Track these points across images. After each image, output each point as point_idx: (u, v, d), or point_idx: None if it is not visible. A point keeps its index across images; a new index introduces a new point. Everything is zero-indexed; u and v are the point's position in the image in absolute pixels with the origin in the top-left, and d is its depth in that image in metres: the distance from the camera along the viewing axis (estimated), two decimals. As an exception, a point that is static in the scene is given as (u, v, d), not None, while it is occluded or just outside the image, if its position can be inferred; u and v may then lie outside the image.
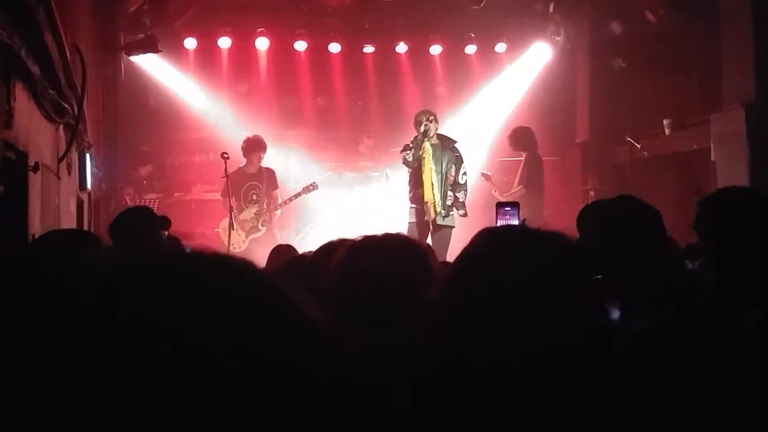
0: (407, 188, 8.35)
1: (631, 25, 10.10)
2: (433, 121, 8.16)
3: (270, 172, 9.58)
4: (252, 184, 9.44)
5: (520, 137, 9.97)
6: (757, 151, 7.62)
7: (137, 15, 9.75)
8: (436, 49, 11.59)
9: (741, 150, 7.75)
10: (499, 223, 3.06)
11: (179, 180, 11.12)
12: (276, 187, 9.59)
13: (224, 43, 11.05)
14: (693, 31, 9.50)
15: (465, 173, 8.31)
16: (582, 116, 11.27)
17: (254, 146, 9.45)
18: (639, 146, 10.05)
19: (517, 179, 9.83)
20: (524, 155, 9.89)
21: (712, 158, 8.27)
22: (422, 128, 8.09)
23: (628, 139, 10.20)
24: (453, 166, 8.20)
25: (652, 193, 8.88)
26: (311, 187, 9.59)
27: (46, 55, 4.34)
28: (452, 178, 8.16)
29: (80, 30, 6.94)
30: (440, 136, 8.29)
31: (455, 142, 8.35)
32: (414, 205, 8.24)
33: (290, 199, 9.54)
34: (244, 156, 9.47)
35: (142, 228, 4.32)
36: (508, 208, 3.07)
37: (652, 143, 9.97)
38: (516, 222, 3.10)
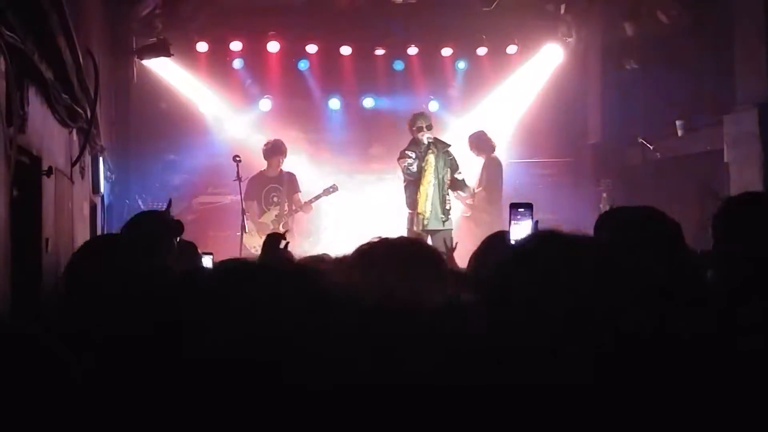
0: (404, 193, 8.53)
1: (643, 26, 10.07)
2: (432, 128, 8.38)
3: (291, 176, 9.60)
4: (272, 187, 9.48)
5: (476, 141, 10.00)
6: (771, 152, 7.58)
7: (149, 19, 9.78)
8: (447, 52, 11.59)
9: (754, 151, 7.70)
10: (512, 223, 3.04)
11: (191, 183, 11.14)
12: (297, 190, 9.62)
13: (236, 46, 11.09)
14: (705, 31, 9.46)
15: (460, 172, 8.54)
16: (594, 117, 11.24)
17: (274, 150, 9.49)
18: (651, 147, 10.01)
19: (476, 182, 9.82)
20: (483, 159, 9.93)
21: (725, 159, 8.22)
22: (424, 137, 8.23)
23: (641, 140, 10.16)
24: (448, 170, 8.38)
25: (664, 195, 8.86)
26: (331, 189, 9.59)
27: (60, 59, 4.35)
28: (449, 183, 8.34)
29: (93, 34, 6.97)
30: (435, 140, 8.44)
31: (449, 145, 8.54)
32: (411, 210, 8.39)
33: (311, 201, 9.54)
34: (265, 159, 9.53)
35: (155, 233, 4.31)
36: (522, 209, 3.05)
37: (665, 144, 9.93)
38: (529, 222, 3.08)
